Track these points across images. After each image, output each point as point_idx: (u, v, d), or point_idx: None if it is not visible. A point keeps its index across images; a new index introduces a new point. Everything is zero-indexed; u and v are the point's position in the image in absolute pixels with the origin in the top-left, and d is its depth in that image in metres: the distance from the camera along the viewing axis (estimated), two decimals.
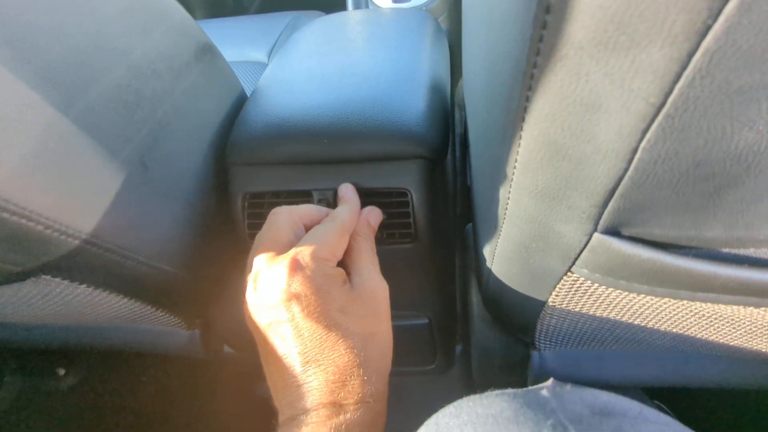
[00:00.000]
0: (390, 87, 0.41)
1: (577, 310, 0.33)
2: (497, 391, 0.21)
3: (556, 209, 0.22)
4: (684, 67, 0.13)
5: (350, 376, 0.26)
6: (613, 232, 0.22)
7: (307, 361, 0.27)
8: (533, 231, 0.24)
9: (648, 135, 0.16)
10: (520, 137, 0.20)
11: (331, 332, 0.27)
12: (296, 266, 0.28)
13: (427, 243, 0.39)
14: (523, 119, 0.19)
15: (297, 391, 0.26)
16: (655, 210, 0.20)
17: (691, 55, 0.13)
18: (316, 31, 0.56)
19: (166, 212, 0.36)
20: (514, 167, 0.21)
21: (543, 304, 0.32)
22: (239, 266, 0.48)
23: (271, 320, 0.28)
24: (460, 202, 0.62)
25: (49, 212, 0.27)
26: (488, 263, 0.33)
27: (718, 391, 0.47)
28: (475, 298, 0.45)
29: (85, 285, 0.34)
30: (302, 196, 0.39)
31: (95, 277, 0.34)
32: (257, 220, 0.41)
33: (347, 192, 0.37)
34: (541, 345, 0.42)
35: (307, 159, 0.39)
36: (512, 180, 0.22)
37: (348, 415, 0.25)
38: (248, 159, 0.40)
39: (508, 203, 0.24)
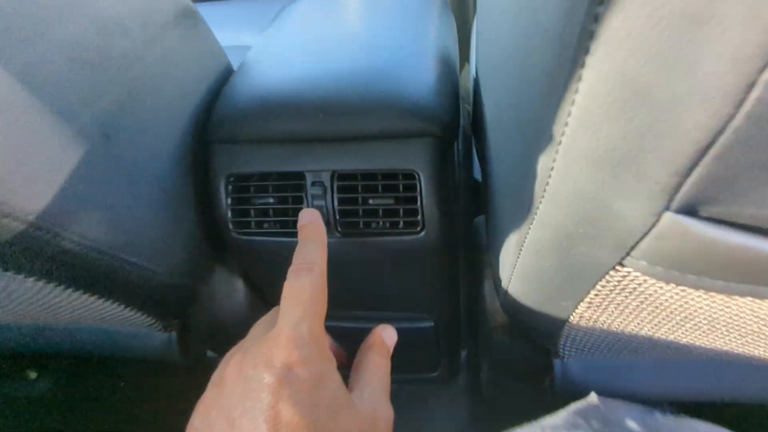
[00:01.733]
0: (394, 57, 0.36)
1: (616, 313, 0.28)
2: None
3: (619, 180, 0.17)
4: None
5: None
6: (691, 211, 0.17)
7: None
8: (581, 212, 0.19)
9: None
10: (579, 80, 0.15)
11: None
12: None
13: (435, 233, 0.34)
14: (586, 51, 0.14)
15: None
16: (757, 179, 0.15)
17: None
18: (312, 3, 0.51)
19: (134, 195, 0.31)
20: (565, 125, 0.16)
21: (576, 305, 0.27)
22: (221, 260, 0.43)
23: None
24: (463, 197, 0.57)
25: None
26: (511, 258, 0.28)
27: (758, 409, 0.42)
28: (488, 298, 0.40)
29: (33, 278, 0.29)
30: (293, 179, 0.34)
31: (45, 268, 0.28)
32: (243, 206, 0.35)
33: (309, 219, 0.30)
34: (566, 353, 0.37)
35: (299, 136, 0.34)
36: (559, 144, 0.17)
37: None
38: (233, 136, 0.35)
39: (549, 178, 0.19)
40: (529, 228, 0.23)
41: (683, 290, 0.22)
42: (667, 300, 0.24)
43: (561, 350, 0.36)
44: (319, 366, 0.24)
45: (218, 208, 0.36)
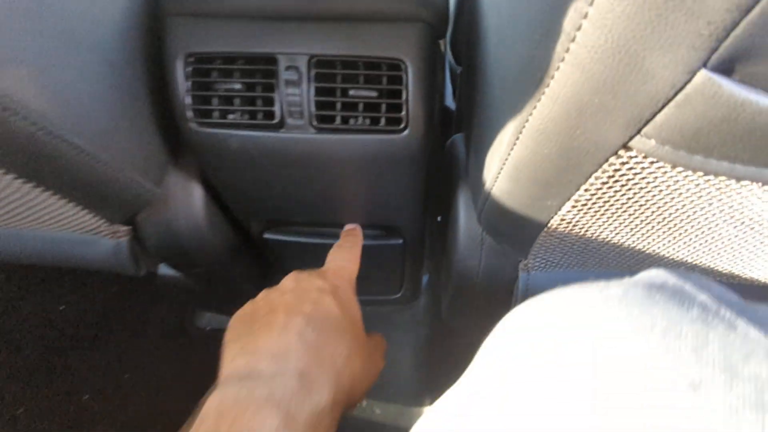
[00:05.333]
0: None
1: (599, 214, 0.28)
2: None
3: (666, 22, 0.15)
4: None
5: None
6: (727, 69, 0.16)
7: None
8: (605, 73, 0.18)
9: None
10: None
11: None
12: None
13: (419, 133, 0.32)
14: None
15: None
16: None
17: None
18: None
19: (73, 62, 0.27)
20: None
21: (562, 204, 0.27)
22: (177, 160, 0.39)
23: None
24: (438, 115, 0.55)
25: None
26: (503, 152, 0.26)
27: None
28: (461, 210, 0.39)
29: None
30: (264, 63, 0.30)
31: None
32: (204, 91, 0.31)
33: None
34: (535, 265, 0.37)
35: (273, 13, 0.30)
36: None
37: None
38: (192, 8, 0.30)
39: (578, 31, 0.17)
40: (535, 107, 0.21)
41: (683, 176, 0.21)
42: (658, 193, 0.23)
43: (531, 261, 0.37)
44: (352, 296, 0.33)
45: (175, 92, 0.31)
